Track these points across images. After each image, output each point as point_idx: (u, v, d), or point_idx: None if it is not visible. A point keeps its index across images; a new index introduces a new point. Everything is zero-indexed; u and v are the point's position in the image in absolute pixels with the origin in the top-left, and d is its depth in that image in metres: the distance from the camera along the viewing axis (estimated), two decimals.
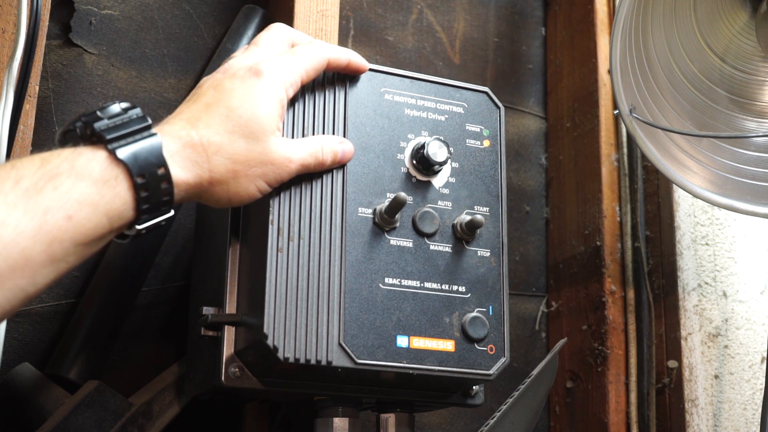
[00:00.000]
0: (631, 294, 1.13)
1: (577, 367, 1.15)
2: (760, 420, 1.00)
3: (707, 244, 1.14)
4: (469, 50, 1.26)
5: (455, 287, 0.78)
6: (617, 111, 0.99)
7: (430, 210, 0.79)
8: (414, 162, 0.80)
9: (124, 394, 0.87)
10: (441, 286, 0.78)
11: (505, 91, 1.26)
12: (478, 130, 0.84)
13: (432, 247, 0.78)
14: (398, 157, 0.80)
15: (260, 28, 1.05)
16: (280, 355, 0.70)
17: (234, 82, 0.70)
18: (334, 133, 0.78)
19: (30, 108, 0.85)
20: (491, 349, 0.78)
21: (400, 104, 0.81)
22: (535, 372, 0.83)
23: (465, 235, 0.79)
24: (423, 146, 0.79)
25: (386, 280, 0.76)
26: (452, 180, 0.81)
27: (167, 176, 0.63)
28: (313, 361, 0.71)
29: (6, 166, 0.58)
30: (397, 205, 0.75)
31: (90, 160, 0.60)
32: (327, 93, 0.79)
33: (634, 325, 1.12)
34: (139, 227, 0.63)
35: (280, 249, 0.73)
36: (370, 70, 0.81)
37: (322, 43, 0.78)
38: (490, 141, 0.85)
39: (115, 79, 1.01)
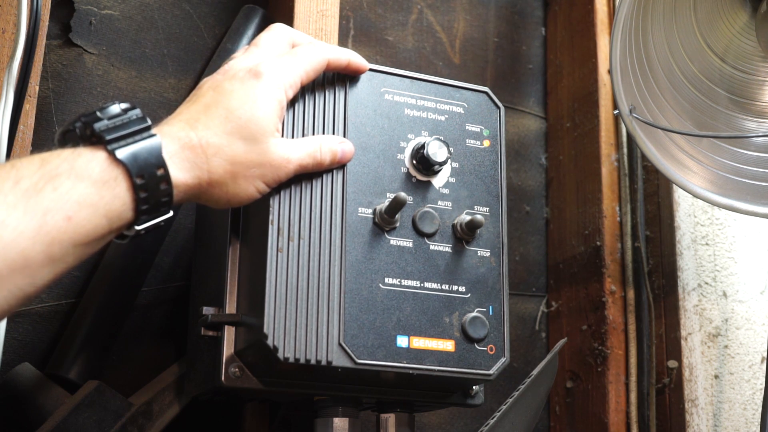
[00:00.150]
0: (631, 294, 1.13)
1: (577, 367, 1.15)
2: (760, 420, 1.00)
3: (707, 244, 1.14)
4: (469, 50, 1.26)
5: (455, 287, 0.78)
6: (617, 111, 0.99)
7: (430, 210, 0.79)
8: (414, 162, 0.80)
9: (124, 394, 0.87)
10: (441, 286, 0.78)
11: (505, 91, 1.26)
12: (478, 130, 0.84)
13: (432, 247, 0.78)
14: (398, 157, 0.80)
15: (260, 28, 1.06)
16: (280, 355, 0.70)
17: (233, 83, 0.70)
18: (334, 133, 0.78)
19: (30, 108, 0.85)
20: (491, 349, 0.78)
21: (400, 104, 0.81)
22: (535, 372, 0.83)
23: (465, 235, 0.79)
24: (423, 146, 0.79)
25: (386, 280, 0.76)
26: (452, 180, 0.81)
27: (166, 177, 0.63)
28: (313, 361, 0.71)
29: (6, 166, 0.58)
30: (397, 205, 0.75)
31: (89, 160, 0.60)
32: (327, 93, 0.79)
33: (634, 325, 1.12)
34: (138, 228, 0.63)
35: (280, 249, 0.73)
36: (370, 70, 0.81)
37: (321, 44, 0.78)
38: (490, 141, 0.85)
39: (115, 79, 1.01)
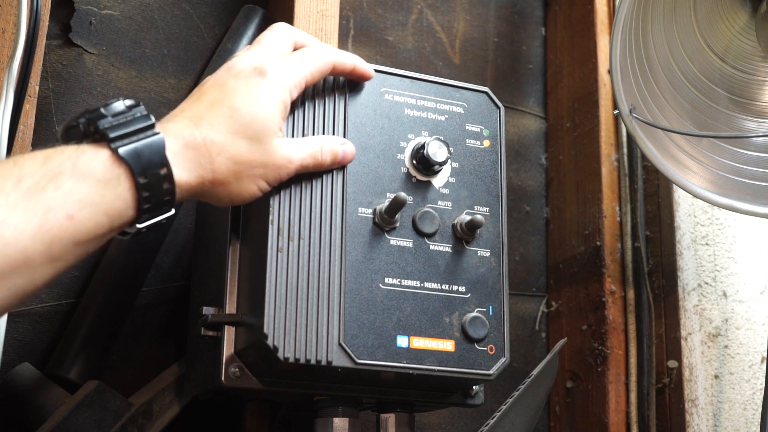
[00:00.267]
0: (631, 294, 1.13)
1: (577, 367, 1.15)
2: (760, 420, 1.00)
3: (707, 244, 1.14)
4: (469, 50, 1.26)
5: (455, 287, 0.78)
6: (617, 111, 0.99)
7: (430, 210, 0.79)
8: (414, 162, 0.80)
9: (124, 394, 0.87)
10: (441, 286, 0.78)
11: (505, 91, 1.26)
12: (478, 130, 0.84)
13: (432, 247, 0.78)
14: (398, 157, 0.80)
15: (260, 28, 1.06)
16: (280, 355, 0.70)
17: (238, 81, 0.70)
18: (334, 133, 0.78)
19: (30, 108, 0.85)
20: (491, 349, 0.78)
21: (400, 104, 0.81)
22: (535, 372, 0.83)
23: (465, 235, 0.79)
24: (423, 146, 0.79)
25: (386, 280, 0.76)
26: (452, 180, 0.81)
27: (169, 176, 0.63)
28: (313, 361, 0.71)
29: (8, 163, 0.58)
30: (397, 205, 0.75)
31: (92, 159, 0.60)
32: (327, 93, 0.79)
33: (634, 325, 1.12)
34: (139, 225, 0.63)
35: (280, 249, 0.73)
36: None
37: (328, 47, 0.78)
38: (490, 141, 0.85)
39: (115, 79, 1.01)
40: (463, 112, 0.84)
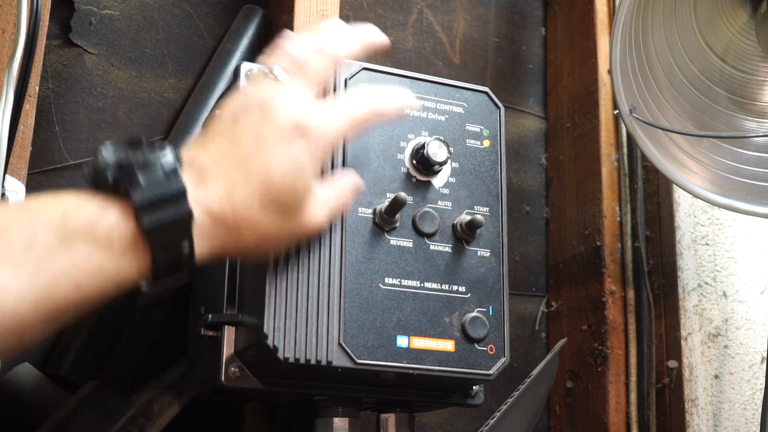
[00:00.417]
0: (631, 294, 1.13)
1: (577, 367, 1.15)
2: (760, 420, 1.00)
3: (707, 244, 1.14)
4: (469, 50, 1.26)
5: (455, 287, 0.78)
6: (617, 111, 0.99)
7: (430, 210, 0.79)
8: (414, 162, 0.80)
9: (124, 394, 0.87)
10: (441, 286, 0.78)
11: (505, 91, 1.26)
12: (478, 130, 0.84)
13: (432, 247, 0.78)
14: (398, 157, 0.80)
15: (260, 28, 1.06)
16: (280, 355, 0.70)
17: (276, 137, 0.64)
18: None
19: (30, 108, 0.85)
20: (491, 349, 0.78)
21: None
22: (535, 372, 0.83)
23: (465, 235, 0.79)
24: (423, 146, 0.79)
25: (386, 280, 0.76)
26: (452, 180, 0.81)
27: (191, 253, 0.59)
28: (313, 361, 0.71)
29: (23, 218, 0.55)
30: (397, 205, 0.75)
31: (114, 228, 0.56)
32: (327, 93, 0.79)
33: (634, 325, 1.12)
34: (144, 288, 0.61)
35: None
36: (370, 69, 0.81)
37: (374, 95, 0.72)
38: (490, 141, 0.84)
39: (115, 79, 1.01)
40: (463, 112, 0.84)
